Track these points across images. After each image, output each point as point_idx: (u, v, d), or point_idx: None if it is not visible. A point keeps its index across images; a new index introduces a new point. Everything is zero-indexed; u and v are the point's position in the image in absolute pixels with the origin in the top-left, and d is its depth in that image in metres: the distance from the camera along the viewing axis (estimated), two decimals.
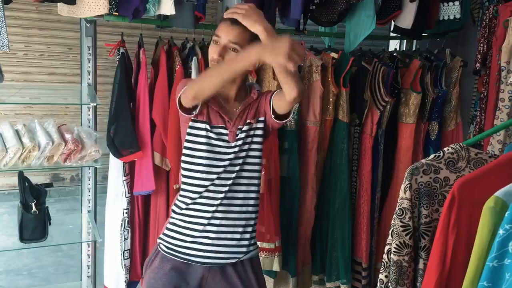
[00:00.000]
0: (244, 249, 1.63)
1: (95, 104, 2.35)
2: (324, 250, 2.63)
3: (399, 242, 1.02)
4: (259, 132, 1.61)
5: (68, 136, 2.26)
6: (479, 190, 0.81)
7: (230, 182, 1.57)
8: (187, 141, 1.58)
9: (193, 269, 1.60)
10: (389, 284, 1.04)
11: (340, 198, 2.56)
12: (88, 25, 2.35)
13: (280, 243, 2.51)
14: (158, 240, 1.65)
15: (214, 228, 1.57)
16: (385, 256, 1.06)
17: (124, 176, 2.26)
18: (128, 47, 2.26)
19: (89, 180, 2.55)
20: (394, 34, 2.89)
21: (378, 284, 1.07)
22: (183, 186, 1.61)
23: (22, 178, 2.28)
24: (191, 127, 1.58)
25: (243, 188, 1.60)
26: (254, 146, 1.60)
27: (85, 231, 2.58)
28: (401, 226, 1.02)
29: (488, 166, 0.91)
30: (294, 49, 1.26)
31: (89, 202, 2.58)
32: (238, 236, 1.60)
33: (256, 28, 1.41)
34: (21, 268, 3.62)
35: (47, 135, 2.21)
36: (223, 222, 1.58)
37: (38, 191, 2.30)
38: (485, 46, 2.51)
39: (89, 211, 2.58)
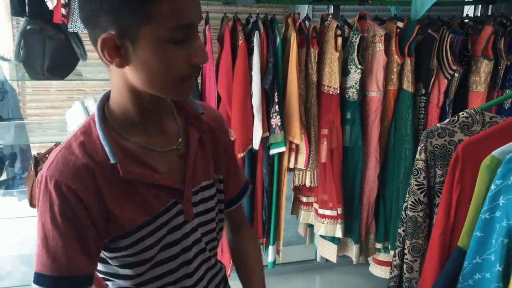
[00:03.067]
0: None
1: None
2: (388, 218, 2.66)
3: (414, 199, 1.07)
4: (220, 196, 1.03)
5: None
6: (482, 151, 0.84)
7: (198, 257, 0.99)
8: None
9: None
10: (406, 237, 1.10)
11: (405, 168, 2.56)
12: None
13: (343, 211, 2.58)
14: None
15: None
16: (403, 212, 1.11)
17: None
18: None
19: None
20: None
21: (396, 237, 1.13)
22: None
23: None
24: (112, 250, 0.91)
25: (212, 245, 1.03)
26: (209, 217, 0.99)
27: None
28: (416, 185, 1.07)
29: (492, 129, 0.93)
30: None
31: None
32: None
33: None
34: None
35: None
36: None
37: None
38: None
39: None
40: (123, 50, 0.80)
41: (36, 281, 0.82)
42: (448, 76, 2.51)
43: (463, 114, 1.06)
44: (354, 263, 2.71)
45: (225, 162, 1.02)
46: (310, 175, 2.55)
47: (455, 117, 1.07)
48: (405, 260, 1.12)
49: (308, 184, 2.56)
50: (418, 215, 1.08)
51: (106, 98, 0.92)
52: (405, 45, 2.47)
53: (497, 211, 0.82)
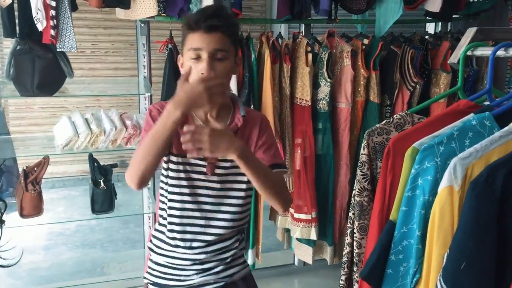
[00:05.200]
0: (233, 270, 1.46)
1: (149, 94, 2.69)
2: None
3: (360, 187, 1.26)
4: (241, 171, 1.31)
5: (128, 122, 2.62)
6: (408, 144, 1.04)
7: (210, 214, 1.38)
8: (163, 175, 1.40)
9: None
10: (354, 219, 1.29)
11: None
12: (142, 25, 2.68)
13: (317, 215, 2.75)
14: (145, 280, 1.50)
15: (202, 257, 1.40)
16: (352, 198, 1.30)
17: None
18: (177, 41, 2.57)
19: None
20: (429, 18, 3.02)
21: (348, 220, 1.31)
22: (161, 223, 1.45)
23: (92, 159, 2.68)
24: (165, 162, 1.37)
25: (226, 216, 1.40)
26: (239, 178, 1.37)
27: (146, 205, 2.96)
28: (361, 175, 1.26)
29: (416, 126, 1.14)
30: (210, 87, 1.20)
31: None
32: (227, 260, 1.44)
33: (231, 156, 1.22)
34: (95, 242, 4.10)
35: (111, 122, 2.58)
36: (210, 249, 1.40)
37: (105, 170, 2.69)
38: None
39: (148, 188, 2.95)
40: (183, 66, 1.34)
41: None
42: (410, 88, 2.73)
43: (396, 116, 1.27)
44: (328, 264, 2.88)
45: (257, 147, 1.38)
46: (286, 181, 2.73)
47: (391, 118, 1.27)
48: (354, 238, 1.30)
49: None
50: (364, 200, 1.27)
51: None
52: (371, 60, 2.68)
53: (417, 189, 1.02)
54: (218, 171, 1.35)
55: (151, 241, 1.47)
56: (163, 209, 1.41)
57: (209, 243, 1.39)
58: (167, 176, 1.37)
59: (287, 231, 2.98)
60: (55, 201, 4.79)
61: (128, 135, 2.58)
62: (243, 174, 1.30)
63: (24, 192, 2.53)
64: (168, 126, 1.21)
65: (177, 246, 1.39)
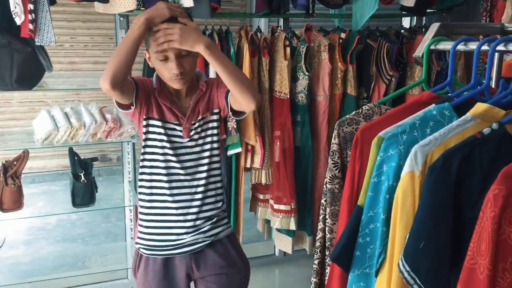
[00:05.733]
0: (219, 229, 1.64)
1: None
2: None
3: (331, 175, 1.32)
4: (214, 124, 1.60)
5: (108, 116, 2.64)
6: (374, 133, 1.10)
7: (189, 177, 1.58)
8: (145, 140, 1.59)
9: (177, 263, 1.61)
10: (326, 205, 1.34)
11: None
12: (121, 18, 2.69)
13: (296, 206, 2.81)
14: (136, 245, 1.64)
15: (189, 219, 1.58)
16: (324, 186, 1.36)
17: None
18: None
19: (128, 154, 2.94)
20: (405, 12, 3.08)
21: (320, 207, 1.37)
22: (144, 190, 1.61)
23: (72, 153, 2.69)
24: (145, 126, 1.57)
25: (205, 175, 1.59)
26: (209, 139, 1.60)
27: (127, 198, 2.98)
28: (332, 164, 1.32)
29: (382, 116, 1.20)
30: (171, 8, 1.41)
31: (129, 174, 2.97)
32: (214, 219, 1.61)
33: (197, 48, 1.40)
34: (76, 236, 4.10)
35: (91, 116, 2.59)
36: (194, 210, 1.58)
37: (85, 164, 2.70)
38: (487, 18, 2.67)
39: (129, 181, 2.98)
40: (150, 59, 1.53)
41: None
42: (386, 81, 2.80)
43: (365, 107, 1.33)
44: (308, 253, 2.94)
45: (216, 93, 1.60)
46: (266, 173, 2.78)
47: (360, 109, 1.33)
48: (326, 224, 1.36)
49: (264, 182, 2.78)
50: (335, 187, 1.32)
51: None
52: (348, 54, 2.74)
53: (382, 175, 1.07)
54: (192, 133, 1.58)
55: (140, 206, 1.63)
56: (148, 174, 1.59)
57: (195, 198, 1.59)
58: (146, 139, 1.58)
59: (267, 222, 3.03)
60: (35, 196, 4.77)
61: (109, 128, 2.59)
62: (213, 134, 1.59)
63: (4, 187, 2.53)
64: (135, 30, 1.40)
65: (166, 205, 1.58)
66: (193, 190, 1.59)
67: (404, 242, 0.96)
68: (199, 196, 1.59)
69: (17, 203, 2.56)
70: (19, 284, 2.91)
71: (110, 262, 3.28)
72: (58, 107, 2.66)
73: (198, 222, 1.59)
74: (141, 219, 1.62)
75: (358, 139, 1.18)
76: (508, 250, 0.78)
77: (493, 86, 1.33)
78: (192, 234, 1.58)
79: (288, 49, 2.67)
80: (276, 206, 2.84)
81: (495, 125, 0.93)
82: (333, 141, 1.32)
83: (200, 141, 1.59)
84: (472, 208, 0.85)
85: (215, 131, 1.61)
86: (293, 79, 2.73)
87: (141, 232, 1.62)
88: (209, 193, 1.61)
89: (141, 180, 1.62)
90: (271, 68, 2.70)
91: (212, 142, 1.60)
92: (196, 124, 1.57)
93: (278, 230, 2.94)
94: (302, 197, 2.86)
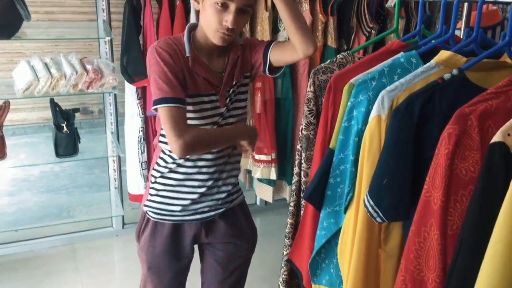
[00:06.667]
0: (233, 197, 1.58)
1: (110, 38, 2.69)
2: None
3: (307, 121, 1.39)
4: (245, 88, 1.52)
5: (89, 67, 2.64)
6: (347, 80, 1.16)
7: None
8: None
9: (187, 228, 1.56)
10: (302, 151, 1.42)
11: None
12: None
13: (276, 156, 2.89)
14: (145, 208, 1.56)
15: (208, 185, 1.50)
16: (300, 132, 1.43)
17: (138, 99, 2.66)
18: None
19: (110, 105, 2.96)
20: None
21: (296, 152, 1.45)
22: (166, 157, 1.51)
23: (54, 103, 2.70)
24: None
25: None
26: (241, 104, 1.51)
27: (110, 149, 3.02)
28: (307, 111, 1.38)
29: (356, 64, 1.25)
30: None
31: (111, 125, 3.00)
32: (229, 187, 1.55)
33: None
34: (60, 188, 4.15)
35: (71, 66, 2.59)
36: (214, 176, 1.50)
37: (67, 114, 2.73)
38: None
39: (112, 132, 3.01)
40: (200, 2, 1.36)
41: (158, 102, 1.31)
42: (366, 33, 2.83)
43: (339, 56, 1.37)
44: (288, 202, 3.05)
45: (250, 53, 1.49)
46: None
47: (334, 58, 1.37)
48: (302, 168, 1.43)
49: None
50: (310, 133, 1.39)
51: (193, 25, 1.45)
52: (328, 5, 2.75)
53: (352, 120, 1.14)
54: (227, 101, 1.46)
55: (157, 170, 1.52)
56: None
57: (218, 164, 1.49)
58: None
59: (249, 172, 3.12)
60: (17, 147, 4.77)
61: (90, 79, 2.60)
62: (244, 99, 1.51)
63: None
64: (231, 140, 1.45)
65: (188, 171, 1.48)
66: (218, 155, 1.49)
67: (369, 180, 1.04)
68: (222, 160, 1.50)
69: (0, 153, 2.58)
70: (5, 232, 2.98)
71: (94, 212, 3.36)
72: (38, 57, 2.64)
73: (215, 189, 1.52)
74: (156, 182, 1.52)
75: (331, 86, 1.23)
76: (460, 184, 0.86)
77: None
78: (208, 201, 1.52)
79: (269, 0, 2.66)
80: (257, 157, 2.91)
81: (455, 71, 1.00)
82: (308, 89, 1.38)
83: (232, 106, 1.48)
84: (432, 148, 0.92)
85: (246, 95, 1.52)
86: (274, 30, 2.74)
87: (152, 195, 1.53)
88: (231, 159, 1.54)
89: (165, 141, 1.46)
90: (252, 19, 2.71)
91: (242, 107, 1.51)
92: (231, 91, 1.46)
93: (259, 180, 3.03)
94: (282, 147, 2.94)
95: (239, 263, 1.65)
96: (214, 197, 1.52)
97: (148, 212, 1.55)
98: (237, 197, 1.60)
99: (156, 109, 1.34)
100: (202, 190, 1.49)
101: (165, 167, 1.49)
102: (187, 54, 1.37)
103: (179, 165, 1.48)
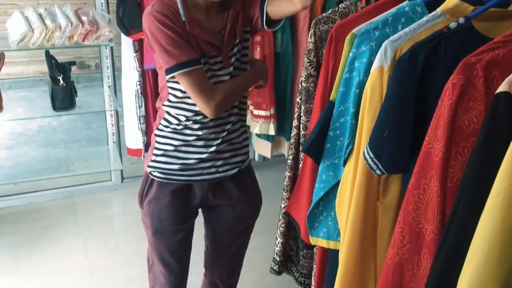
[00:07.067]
0: (240, 158, 1.53)
1: None
2: None
3: (307, 73, 1.36)
4: (247, 43, 1.45)
5: (84, 18, 2.57)
6: (349, 30, 1.12)
7: None
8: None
9: (194, 189, 1.51)
10: (301, 104, 1.40)
11: None
12: None
13: (275, 111, 2.87)
14: (149, 169, 1.50)
15: (215, 143, 1.44)
16: (300, 85, 1.40)
17: (135, 52, 2.60)
18: None
19: (106, 58, 2.91)
20: None
21: (295, 105, 1.43)
22: (171, 118, 1.45)
23: (49, 56, 2.65)
24: None
25: (240, 99, 1.48)
26: (245, 59, 1.46)
27: (108, 103, 3.00)
28: (308, 62, 1.35)
29: (359, 13, 1.21)
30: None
31: (108, 78, 2.96)
32: (237, 146, 1.50)
33: None
34: (58, 142, 4.15)
35: (66, 17, 2.52)
36: (222, 136, 1.44)
37: (63, 67, 2.68)
38: None
39: (109, 86, 2.97)
40: None
41: (175, 69, 1.26)
42: None
43: (341, 5, 1.33)
44: (286, 157, 3.06)
45: (248, 7, 1.41)
46: None
47: (336, 8, 1.33)
48: (301, 121, 1.42)
49: None
50: (310, 85, 1.36)
51: None
52: None
53: (354, 71, 1.12)
54: (232, 60, 1.40)
55: (158, 129, 1.47)
56: (187, 103, 1.41)
57: (228, 121, 1.44)
58: None
59: (247, 127, 3.10)
60: (14, 102, 4.71)
61: (85, 31, 2.54)
62: (247, 54, 1.44)
63: None
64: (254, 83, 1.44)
65: (196, 133, 1.42)
66: (226, 113, 1.43)
67: (370, 133, 1.03)
68: (232, 119, 1.45)
69: None
70: (5, 185, 3.00)
71: (93, 166, 3.36)
72: (32, 8, 2.57)
73: (223, 149, 1.46)
74: (161, 143, 1.46)
75: (332, 36, 1.20)
76: (462, 135, 0.84)
77: None
78: (216, 161, 1.46)
79: None
80: (255, 112, 2.89)
81: (461, 20, 0.96)
82: (309, 39, 1.34)
83: (237, 64, 1.41)
84: (434, 100, 0.91)
85: (247, 51, 1.44)
86: None
87: (158, 155, 1.47)
88: (239, 118, 1.49)
89: (171, 105, 1.43)
90: None
91: (246, 62, 1.45)
92: (235, 49, 1.39)
93: (258, 135, 3.02)
94: (281, 102, 2.91)
95: (244, 228, 1.63)
96: (222, 156, 1.46)
97: (153, 173, 1.49)
98: (245, 159, 1.54)
99: (172, 77, 1.29)
100: (210, 149, 1.43)
101: (170, 128, 1.43)
102: (183, 19, 1.28)
103: (186, 127, 1.42)
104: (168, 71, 1.28)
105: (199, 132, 1.41)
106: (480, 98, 0.82)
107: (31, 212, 2.96)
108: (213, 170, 1.47)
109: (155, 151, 1.48)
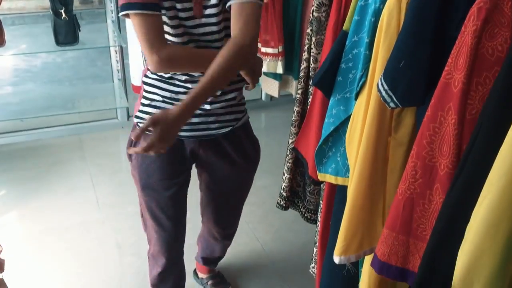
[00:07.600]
0: (236, 116, 1.45)
1: None
2: None
3: (318, 2, 1.30)
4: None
5: None
6: None
7: (210, 44, 1.30)
8: None
9: (184, 145, 1.43)
10: (312, 34, 1.34)
11: None
12: None
13: (283, 49, 2.78)
14: (136, 120, 1.42)
15: (207, 100, 1.34)
16: (311, 14, 1.34)
17: None
18: None
19: None
20: None
21: (306, 36, 1.37)
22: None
23: None
24: None
25: (218, 44, 1.30)
26: (224, 15, 1.28)
27: (112, 39, 2.92)
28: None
29: None
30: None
31: (112, 13, 2.87)
32: (231, 103, 1.41)
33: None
34: (63, 79, 4.11)
35: None
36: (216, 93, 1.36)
37: (65, 0, 2.59)
38: None
39: (113, 21, 2.89)
40: None
41: (128, 7, 1.16)
42: None
43: None
44: (293, 97, 3.01)
45: None
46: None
47: None
48: (311, 53, 1.36)
49: None
50: (321, 15, 1.30)
51: None
52: None
53: None
54: (204, 11, 1.25)
55: (146, 76, 1.38)
56: None
57: None
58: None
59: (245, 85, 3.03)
60: (17, 37, 4.65)
61: None
62: (228, 12, 1.25)
63: None
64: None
65: (185, 84, 1.32)
66: None
67: (385, 64, 0.98)
68: None
69: None
70: (11, 121, 2.99)
71: (99, 104, 3.34)
72: None
73: (215, 106, 1.36)
74: (148, 92, 1.37)
75: None
76: (485, 65, 0.79)
77: None
78: (207, 117, 1.37)
79: None
80: (263, 50, 2.81)
81: None
82: None
83: (213, 19, 1.25)
84: (456, 28, 0.85)
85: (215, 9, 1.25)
86: None
87: (145, 105, 1.38)
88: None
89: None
90: None
91: (228, 27, 1.25)
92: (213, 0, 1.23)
93: (265, 74, 2.95)
94: (290, 40, 2.82)
95: (237, 185, 1.59)
96: (213, 112, 1.36)
97: (140, 124, 1.40)
98: (241, 118, 1.46)
99: (127, 15, 1.17)
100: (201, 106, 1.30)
101: (157, 75, 1.33)
102: None
103: (172, 77, 1.31)
104: (122, 7, 1.16)
105: (189, 85, 1.30)
106: (507, 24, 0.76)
107: (38, 148, 2.98)
108: (203, 126, 1.38)
109: (143, 100, 1.39)
